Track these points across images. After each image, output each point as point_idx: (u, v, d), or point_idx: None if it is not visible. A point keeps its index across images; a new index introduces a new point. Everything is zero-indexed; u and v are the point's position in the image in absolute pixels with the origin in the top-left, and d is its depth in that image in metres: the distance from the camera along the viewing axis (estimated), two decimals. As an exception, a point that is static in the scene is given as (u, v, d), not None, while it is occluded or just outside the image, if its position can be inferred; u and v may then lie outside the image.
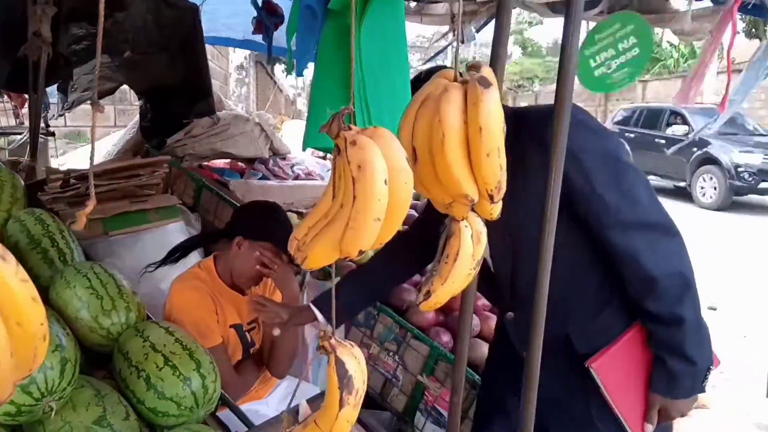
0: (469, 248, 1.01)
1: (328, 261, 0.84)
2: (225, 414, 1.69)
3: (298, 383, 1.49)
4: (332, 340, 0.88)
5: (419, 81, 1.35)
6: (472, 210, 0.99)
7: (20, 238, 1.84)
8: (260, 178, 3.80)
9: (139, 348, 1.53)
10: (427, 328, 2.49)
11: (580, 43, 1.67)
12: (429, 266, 2.79)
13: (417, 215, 2.19)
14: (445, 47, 5.64)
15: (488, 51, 1.26)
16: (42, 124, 3.43)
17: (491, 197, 0.91)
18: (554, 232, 1.10)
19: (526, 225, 1.33)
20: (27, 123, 3.45)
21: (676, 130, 11.18)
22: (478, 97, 0.85)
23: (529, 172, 1.30)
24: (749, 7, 2.53)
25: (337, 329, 2.48)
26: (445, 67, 1.08)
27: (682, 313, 1.28)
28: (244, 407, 1.79)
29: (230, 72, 12.82)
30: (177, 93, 3.75)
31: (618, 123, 12.77)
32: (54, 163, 4.47)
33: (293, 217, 2.95)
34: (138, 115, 4.04)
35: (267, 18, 2.88)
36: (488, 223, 1.42)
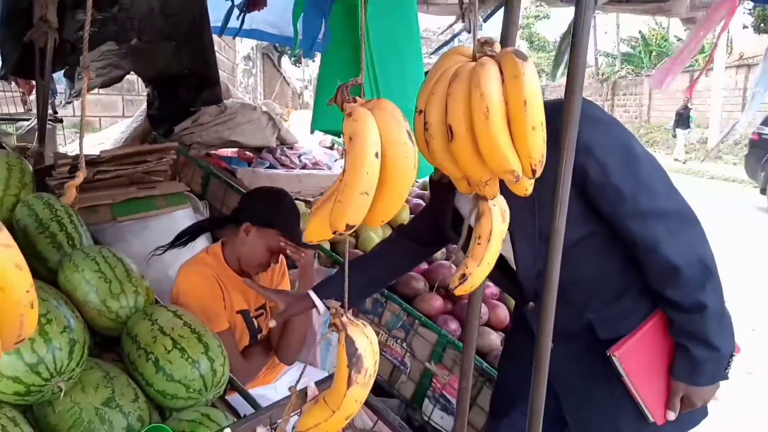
0: (499, 227, 0.99)
1: (322, 236, 0.82)
2: (234, 398, 1.69)
3: (304, 367, 1.48)
4: (344, 318, 0.87)
5: None
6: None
7: (28, 222, 1.84)
8: (267, 167, 3.79)
9: (148, 331, 1.52)
10: (435, 316, 2.49)
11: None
12: (438, 253, 2.78)
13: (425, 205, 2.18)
14: (452, 38, 5.60)
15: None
16: (50, 111, 3.42)
17: (534, 172, 0.88)
18: (564, 220, 1.09)
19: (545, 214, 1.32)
20: (35, 110, 3.45)
21: None
22: (519, 70, 0.82)
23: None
24: None
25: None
26: None
27: (705, 300, 1.27)
28: (253, 392, 1.78)
29: (237, 63, 12.80)
30: (184, 81, 3.73)
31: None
32: (62, 151, 4.48)
33: (301, 206, 2.95)
34: (145, 104, 4.03)
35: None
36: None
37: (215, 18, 3.95)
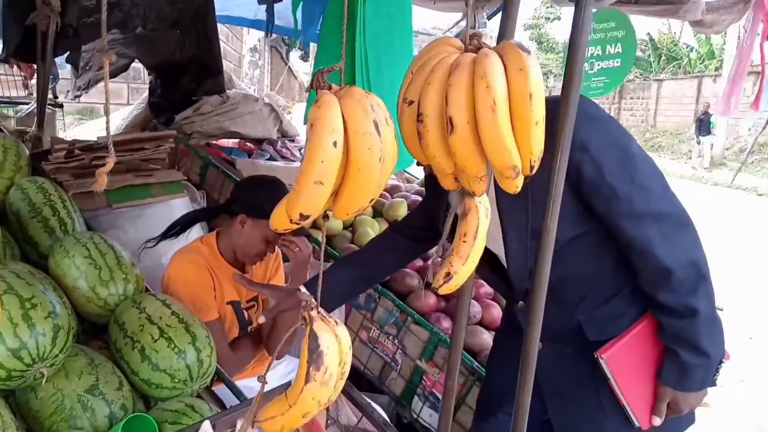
0: (485, 225, 0.97)
1: (285, 224, 0.80)
2: (220, 389, 1.68)
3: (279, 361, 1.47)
4: (313, 312, 0.85)
5: None
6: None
7: (21, 206, 1.83)
8: (267, 159, 3.77)
9: (135, 319, 1.52)
10: (428, 314, 2.47)
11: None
12: (433, 250, 2.77)
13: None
14: (456, 35, 5.57)
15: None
16: (50, 95, 3.41)
17: (532, 168, 0.85)
18: (557, 218, 1.06)
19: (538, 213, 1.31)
20: (35, 94, 3.44)
21: None
22: (524, 63, 0.79)
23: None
24: None
25: (336, 311, 2.47)
26: None
27: (696, 305, 1.25)
28: (240, 383, 1.77)
29: (243, 54, 12.77)
30: (187, 69, 3.71)
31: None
32: (61, 136, 4.48)
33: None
34: (148, 91, 4.02)
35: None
36: (501, 214, 1.39)
37: (220, 7, 3.94)
